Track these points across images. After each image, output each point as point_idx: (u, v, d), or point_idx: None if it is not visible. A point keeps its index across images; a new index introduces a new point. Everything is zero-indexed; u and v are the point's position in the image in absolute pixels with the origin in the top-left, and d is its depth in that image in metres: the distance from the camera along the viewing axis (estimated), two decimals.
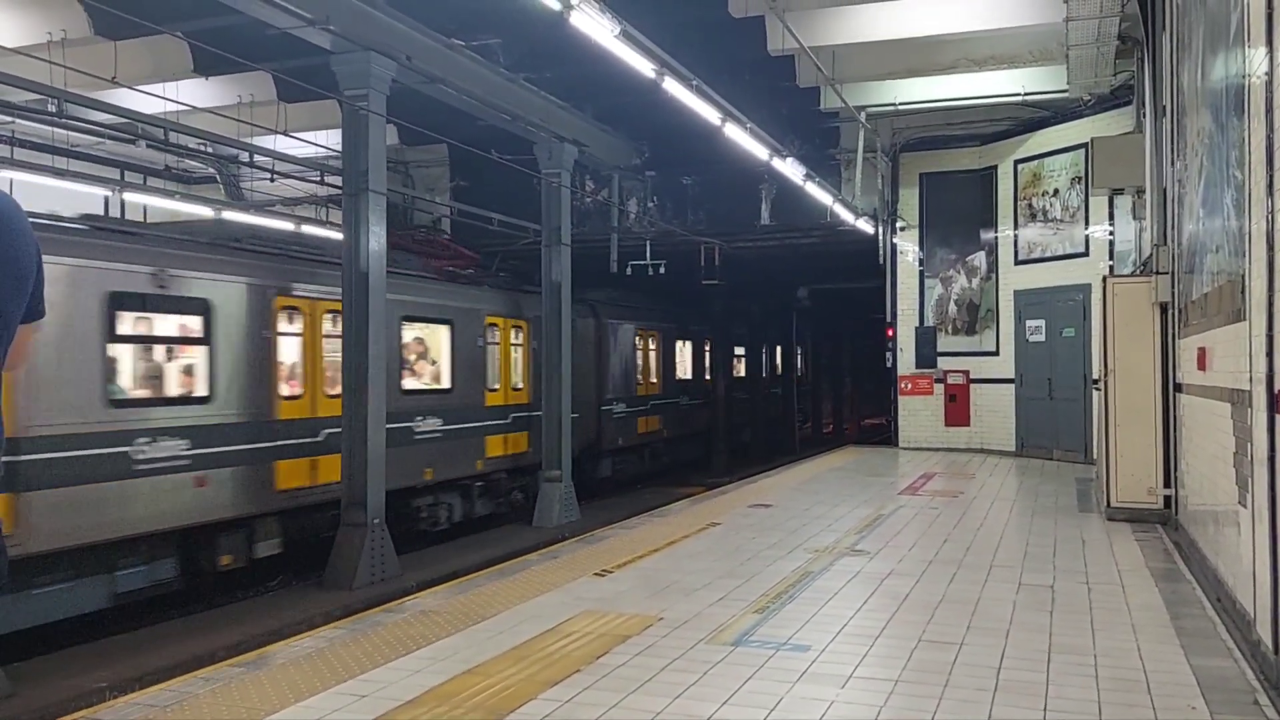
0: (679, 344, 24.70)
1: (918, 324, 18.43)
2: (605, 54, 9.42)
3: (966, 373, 17.91)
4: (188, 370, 10.74)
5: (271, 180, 16.34)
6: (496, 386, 15.97)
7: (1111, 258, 15.21)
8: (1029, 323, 16.82)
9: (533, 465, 16.37)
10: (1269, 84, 4.60)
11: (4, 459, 2.23)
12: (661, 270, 19.99)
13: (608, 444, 20.20)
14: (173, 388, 10.57)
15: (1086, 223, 15.88)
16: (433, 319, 14.49)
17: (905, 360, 18.41)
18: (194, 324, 10.68)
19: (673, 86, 10.41)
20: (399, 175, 20.16)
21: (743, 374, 29.08)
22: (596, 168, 19.17)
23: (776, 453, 27.01)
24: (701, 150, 16.52)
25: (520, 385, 16.68)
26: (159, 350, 10.62)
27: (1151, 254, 10.22)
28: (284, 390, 11.70)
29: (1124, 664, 5.34)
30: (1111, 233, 15.33)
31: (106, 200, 15.77)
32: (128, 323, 9.91)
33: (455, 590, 7.47)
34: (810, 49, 12.78)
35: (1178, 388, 9.17)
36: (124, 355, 10.00)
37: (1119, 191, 13.62)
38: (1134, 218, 13.40)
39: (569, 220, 16.00)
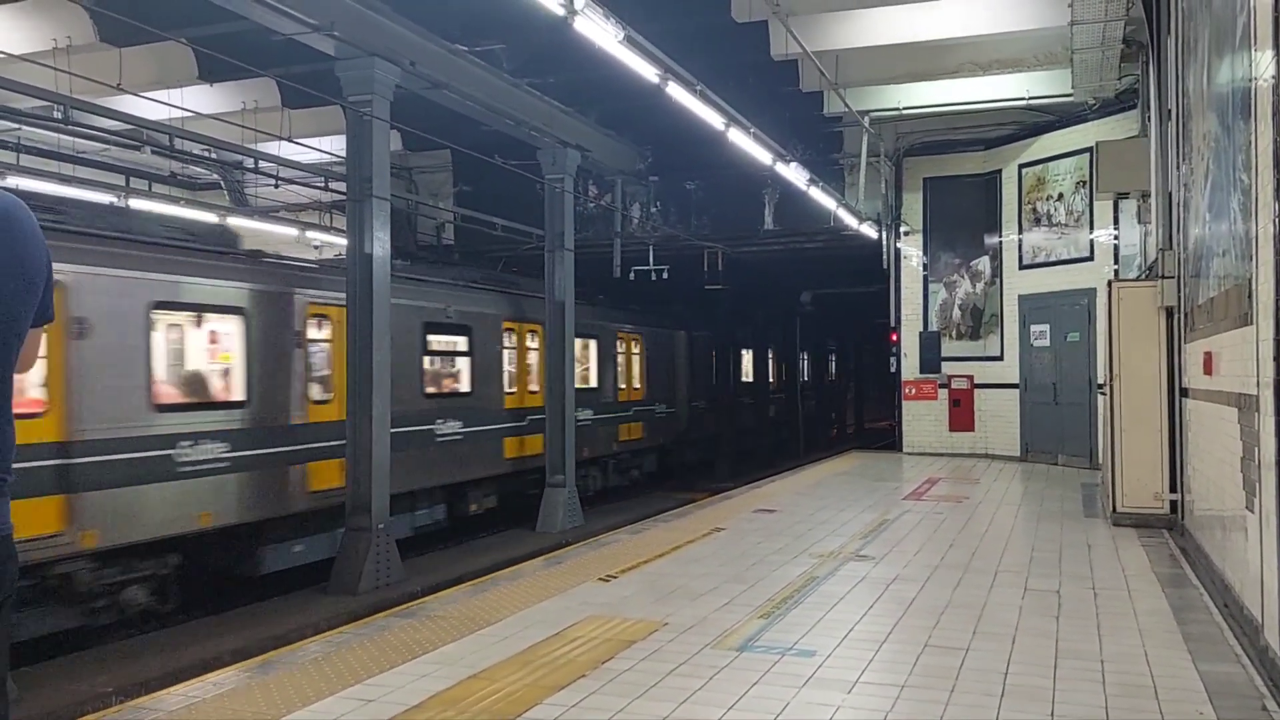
0: (743, 352, 28.95)
1: (922, 329, 18.41)
2: (609, 59, 9.43)
3: (971, 378, 17.89)
4: (457, 374, 15.12)
5: (276, 186, 16.35)
6: (624, 385, 20.21)
7: (1116, 262, 15.20)
8: (1033, 327, 16.80)
9: (646, 449, 21.25)
10: (1276, 87, 4.59)
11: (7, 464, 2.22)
12: (665, 275, 20.01)
13: (693, 434, 24.06)
14: (451, 385, 14.92)
15: (1091, 227, 15.87)
16: (586, 335, 18.41)
17: (909, 365, 18.39)
18: (463, 342, 15.07)
19: (676, 91, 10.42)
20: (403, 181, 20.20)
21: (785, 378, 33.31)
22: (600, 173, 19.20)
23: (780, 455, 27.35)
24: (705, 155, 16.54)
25: (639, 385, 20.96)
26: (444, 359, 14.96)
27: (1157, 258, 10.21)
28: (508, 387, 16.15)
29: (1131, 669, 5.33)
30: (1116, 237, 15.32)
31: (111, 206, 15.78)
32: (432, 343, 14.26)
33: (460, 595, 7.46)
34: (813, 53, 12.79)
35: (1184, 392, 9.15)
36: (429, 363, 14.23)
37: (1124, 195, 13.61)
38: (1139, 222, 13.38)
39: (572, 225, 16.01)
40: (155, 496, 9.69)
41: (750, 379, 29.43)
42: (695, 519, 11.07)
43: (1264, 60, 4.85)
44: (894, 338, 18.78)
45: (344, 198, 12.52)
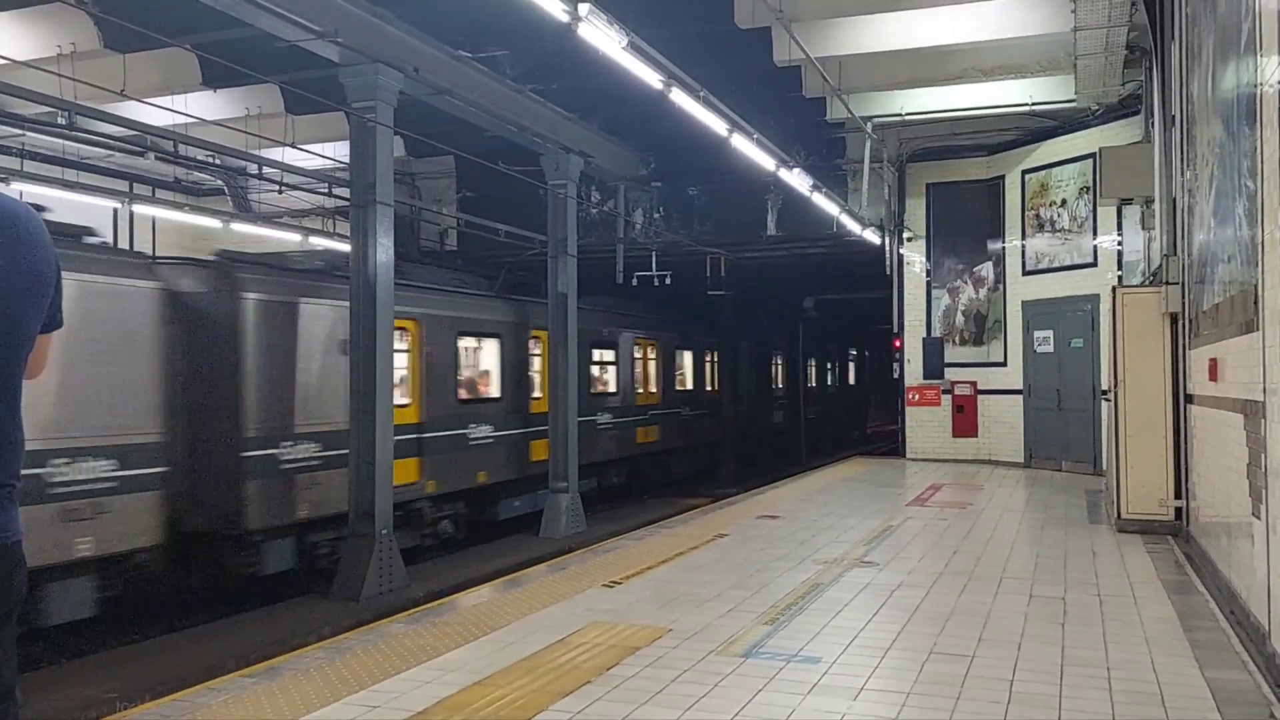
0: (784, 361, 33.43)
1: (925, 335, 18.39)
2: (612, 65, 9.42)
3: (974, 384, 17.86)
4: (608, 379, 20.03)
5: (279, 192, 16.36)
6: (709, 388, 25.79)
7: (1120, 268, 15.17)
8: (1037, 333, 16.77)
9: (722, 440, 25.84)
10: None
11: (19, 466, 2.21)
12: (668, 281, 20.01)
13: (753, 428, 28.93)
14: (603, 387, 19.82)
15: (1094, 233, 15.85)
16: (684, 347, 24.22)
17: (912, 371, 18.37)
18: (611, 355, 20.07)
19: (680, 97, 10.41)
20: (405, 187, 20.18)
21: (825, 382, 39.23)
22: (603, 178, 19.20)
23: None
24: (707, 161, 16.54)
25: (717, 388, 26.48)
26: (601, 367, 19.79)
27: (1161, 264, 10.19)
28: (651, 388, 21.76)
29: (1138, 676, 5.31)
30: (1120, 243, 15.29)
31: (115, 212, 15.79)
32: (595, 354, 19.32)
33: (464, 601, 7.45)
34: (817, 60, 12.79)
35: (1188, 398, 9.13)
36: (592, 370, 19.05)
37: (1127, 201, 13.59)
38: (1143, 228, 13.37)
39: (575, 231, 16.01)
40: (460, 460, 14.49)
41: (785, 383, 33.94)
42: (698, 525, 11.05)
43: (1270, 66, 4.85)
44: (897, 344, 18.76)
45: (347, 203, 12.53)
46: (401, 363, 13.29)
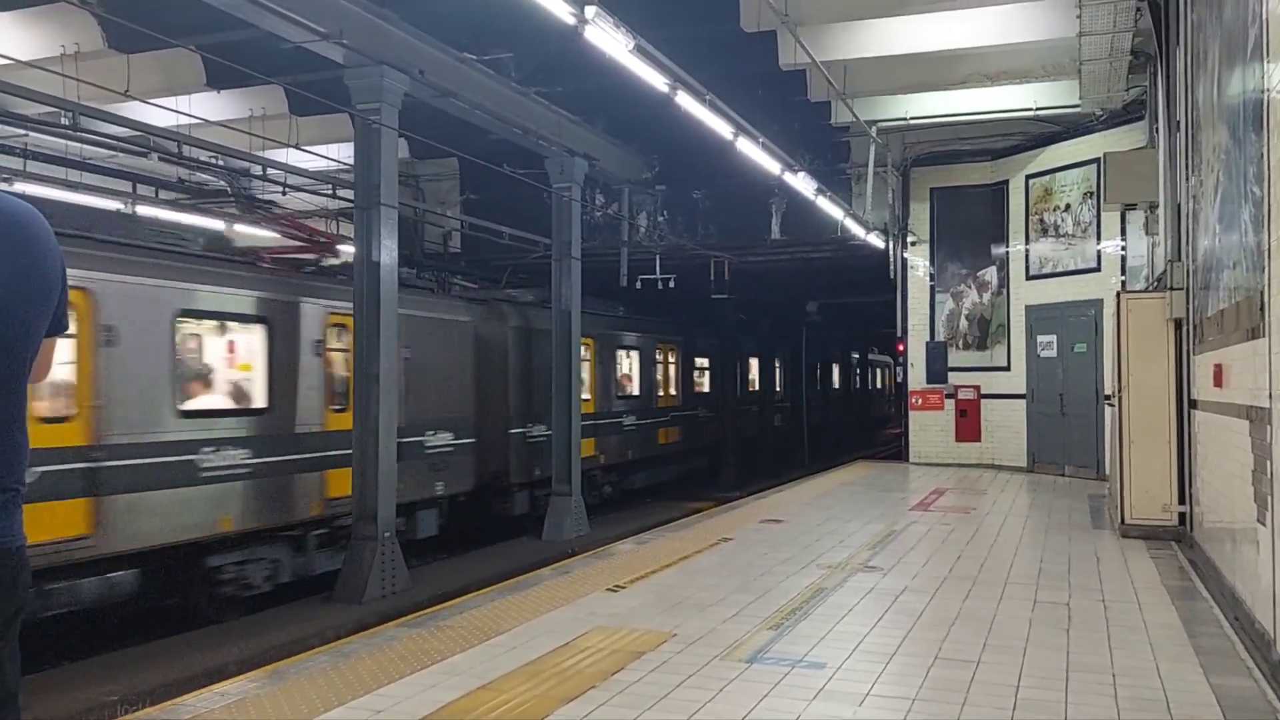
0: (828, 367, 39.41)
1: (928, 339, 18.37)
2: (617, 68, 9.42)
3: (977, 388, 17.83)
4: (702, 382, 25.03)
5: (283, 194, 16.37)
6: (777, 390, 31.24)
7: (1123, 273, 15.16)
8: (1040, 338, 16.74)
9: (786, 431, 31.43)
10: None
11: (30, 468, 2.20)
12: (671, 284, 20.00)
13: (806, 421, 33.38)
14: (700, 388, 25.10)
15: (1098, 238, 15.83)
16: (755, 354, 29.71)
17: (916, 375, 18.35)
18: (705, 362, 25.40)
19: (686, 101, 10.40)
20: (410, 189, 20.17)
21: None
22: (607, 181, 19.19)
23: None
24: (711, 164, 16.53)
25: (781, 390, 31.78)
26: (699, 371, 24.91)
27: (1165, 270, 10.18)
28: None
29: (1143, 683, 5.30)
30: (1124, 248, 15.28)
31: (118, 213, 15.78)
32: (696, 361, 24.69)
33: (467, 604, 7.44)
34: (822, 63, 12.77)
35: (1192, 404, 9.12)
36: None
37: (1131, 207, 13.57)
38: (1147, 233, 13.35)
39: (579, 234, 16.01)
40: (617, 440, 19.65)
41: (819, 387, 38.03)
42: (702, 529, 11.04)
43: (1276, 72, 4.84)
44: (900, 348, 18.75)
45: (351, 205, 12.54)
46: (583, 370, 17.76)
